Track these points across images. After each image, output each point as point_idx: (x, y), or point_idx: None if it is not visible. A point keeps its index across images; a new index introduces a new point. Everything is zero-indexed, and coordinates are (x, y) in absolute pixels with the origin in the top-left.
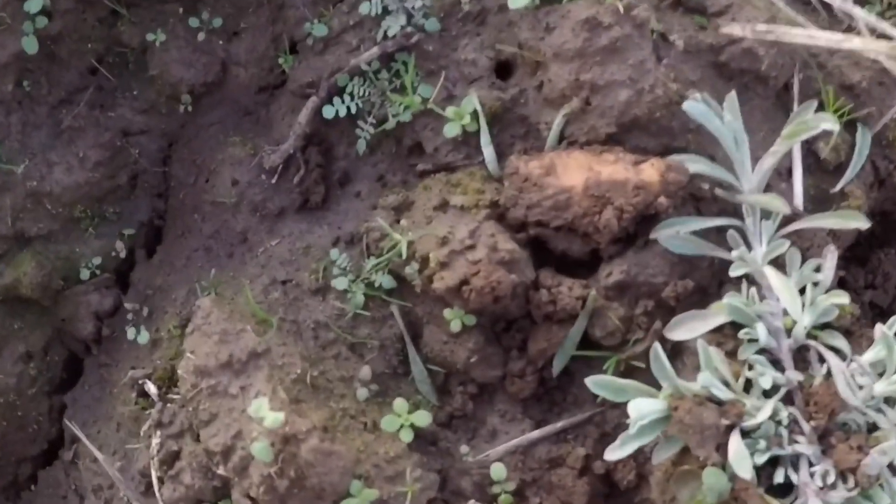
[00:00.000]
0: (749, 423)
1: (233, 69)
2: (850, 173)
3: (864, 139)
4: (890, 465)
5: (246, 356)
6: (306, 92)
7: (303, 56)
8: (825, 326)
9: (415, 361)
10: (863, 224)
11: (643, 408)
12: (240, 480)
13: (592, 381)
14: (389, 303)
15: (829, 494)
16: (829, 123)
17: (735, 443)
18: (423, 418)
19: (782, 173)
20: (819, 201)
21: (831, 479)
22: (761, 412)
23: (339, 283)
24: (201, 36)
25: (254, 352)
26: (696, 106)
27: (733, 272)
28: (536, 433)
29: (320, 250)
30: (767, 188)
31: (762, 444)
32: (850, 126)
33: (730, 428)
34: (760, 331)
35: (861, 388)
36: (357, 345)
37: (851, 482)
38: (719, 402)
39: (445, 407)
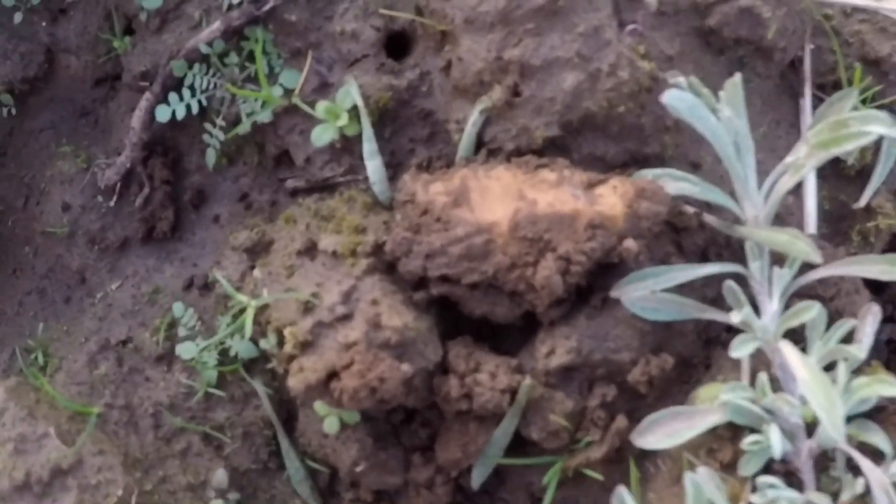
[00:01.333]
0: None
1: (62, 58)
2: (876, 180)
3: (893, 137)
4: None
5: (48, 474)
6: (140, 85)
7: (138, 37)
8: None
9: (289, 456)
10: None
11: None
12: None
13: None
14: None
15: None
16: (882, 126)
17: None
18: None
19: None
20: (836, 219)
21: None
22: None
23: (186, 351)
24: (18, 17)
25: (58, 468)
26: (679, 97)
27: (736, 352)
28: None
29: (170, 296)
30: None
31: None
32: None
33: None
34: (774, 437)
35: None
36: (213, 434)
37: None
38: None
39: None
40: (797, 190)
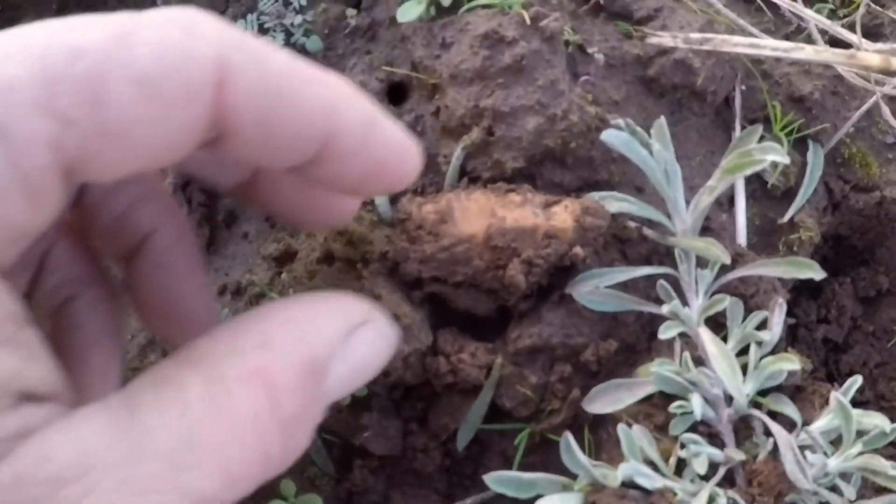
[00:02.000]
0: None
1: None
2: (800, 199)
3: (815, 159)
4: None
5: None
6: None
7: None
8: (772, 388)
9: None
10: (817, 274)
11: None
12: None
13: (492, 479)
14: None
15: None
16: (777, 155)
17: None
18: (313, 502)
19: (723, 203)
20: (765, 232)
21: None
22: (695, 501)
23: None
24: None
25: None
26: (616, 136)
27: (663, 334)
28: None
29: None
30: (706, 221)
31: None
32: (799, 143)
33: None
34: (695, 403)
35: (812, 464)
36: None
37: None
38: (647, 491)
39: (343, 482)
40: (730, 207)
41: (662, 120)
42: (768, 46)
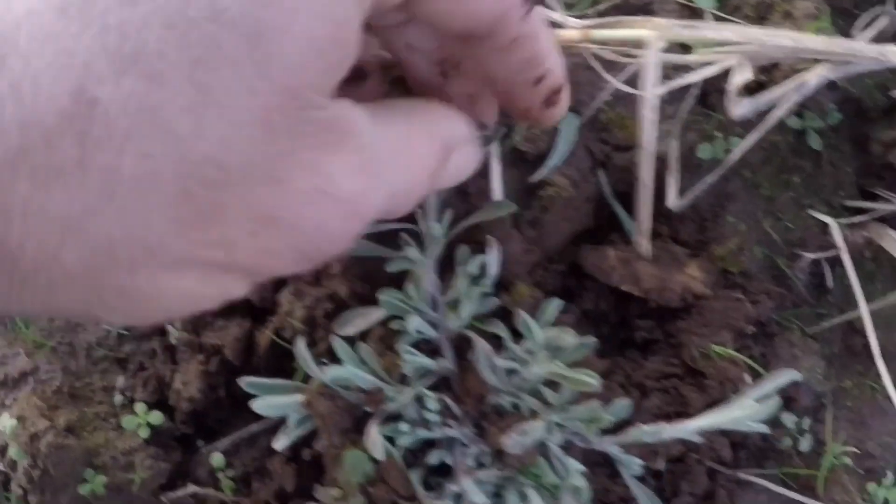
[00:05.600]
0: (391, 407)
1: None
2: (552, 161)
3: (568, 126)
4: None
5: (17, 374)
6: None
7: None
8: (494, 315)
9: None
10: (506, 210)
11: (273, 402)
12: (14, 473)
13: (246, 382)
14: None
15: (480, 474)
16: None
17: (372, 428)
18: (157, 418)
19: (481, 168)
20: (524, 193)
21: (486, 459)
22: (401, 397)
23: None
24: None
25: (24, 371)
26: None
27: (389, 268)
28: (255, 426)
29: None
30: (465, 185)
31: (405, 427)
32: None
33: (371, 415)
34: (410, 322)
35: (512, 371)
36: (121, 359)
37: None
38: (366, 393)
39: None
40: (487, 173)
41: None
42: None
